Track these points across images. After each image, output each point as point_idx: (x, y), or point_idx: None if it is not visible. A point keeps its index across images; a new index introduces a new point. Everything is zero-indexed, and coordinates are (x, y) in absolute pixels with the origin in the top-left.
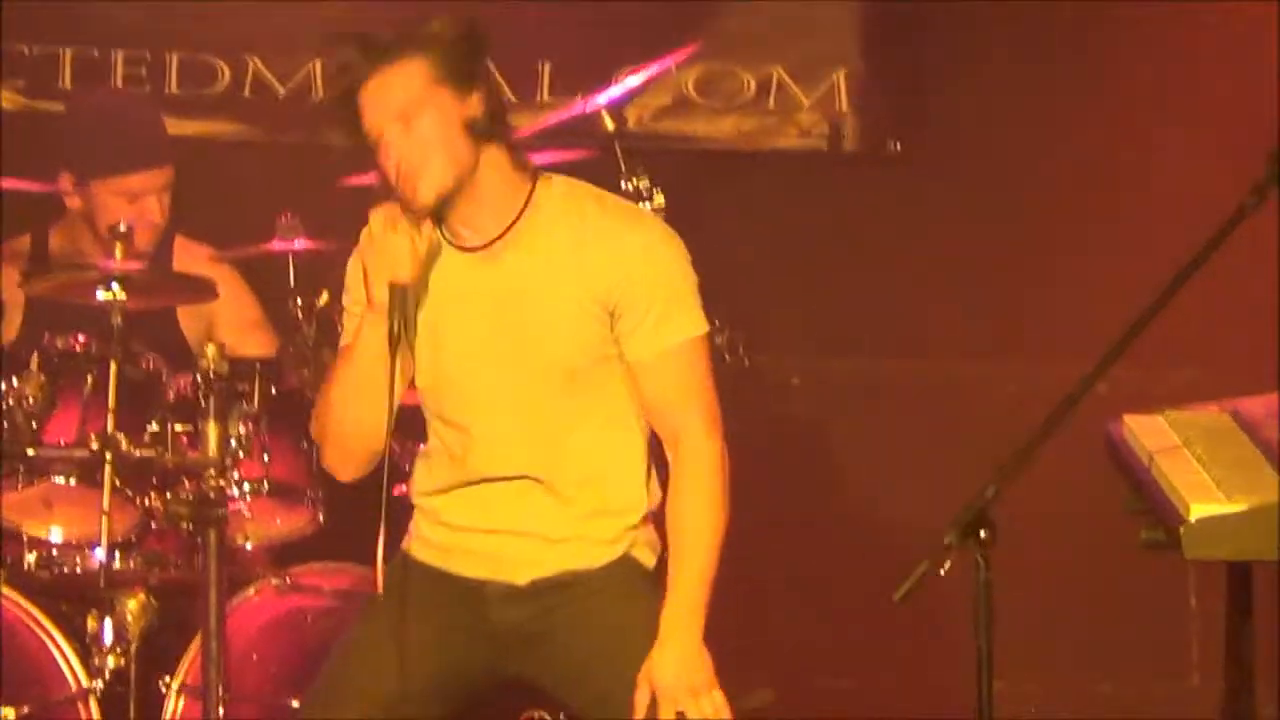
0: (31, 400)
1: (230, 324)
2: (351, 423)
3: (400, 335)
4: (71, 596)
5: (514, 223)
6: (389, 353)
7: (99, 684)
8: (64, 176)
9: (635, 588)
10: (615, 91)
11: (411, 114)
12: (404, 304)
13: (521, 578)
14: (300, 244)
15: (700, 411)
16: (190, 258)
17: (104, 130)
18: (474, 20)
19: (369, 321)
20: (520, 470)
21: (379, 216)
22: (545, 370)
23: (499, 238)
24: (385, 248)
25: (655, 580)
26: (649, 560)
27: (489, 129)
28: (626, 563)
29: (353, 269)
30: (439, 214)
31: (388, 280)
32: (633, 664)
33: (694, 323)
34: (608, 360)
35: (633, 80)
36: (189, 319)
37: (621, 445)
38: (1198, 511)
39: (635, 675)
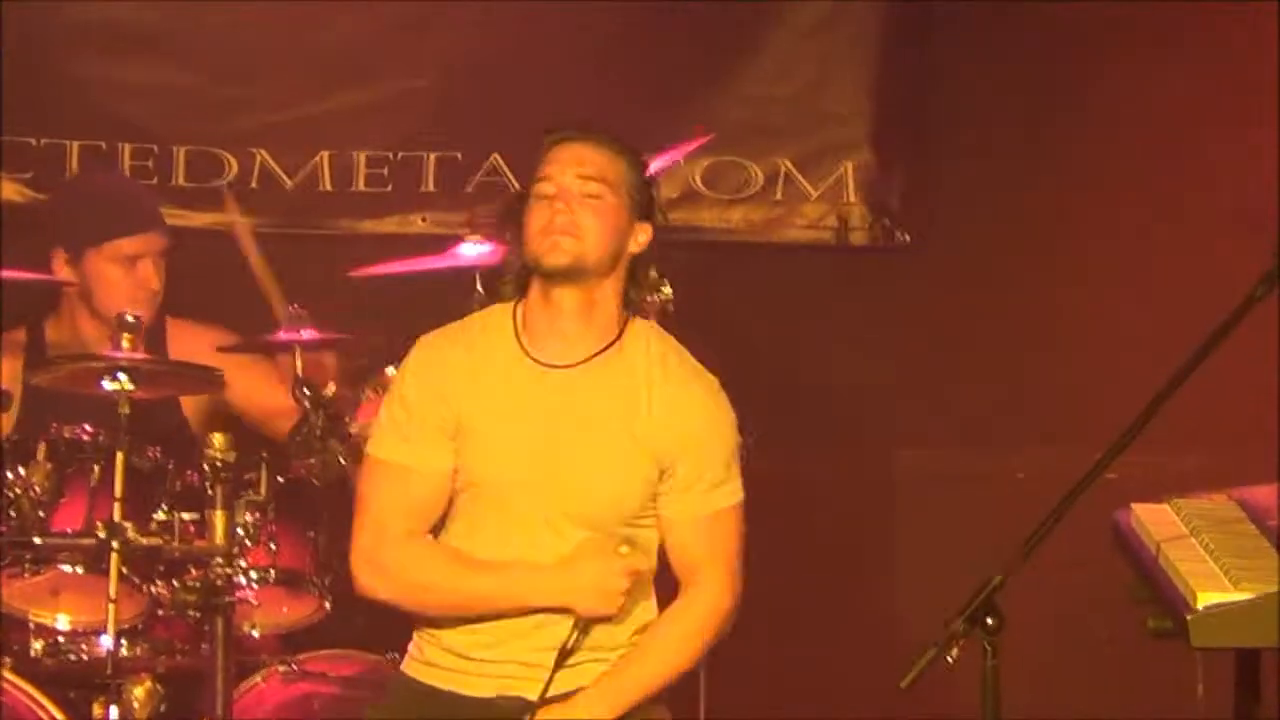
0: (39, 489)
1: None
2: (439, 616)
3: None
4: (78, 684)
5: (600, 352)
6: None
7: None
8: (57, 254)
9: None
10: None
11: (599, 190)
12: (580, 638)
13: (534, 694)
14: (307, 334)
15: (725, 571)
16: (191, 343)
17: (94, 202)
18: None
19: (526, 593)
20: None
21: (624, 570)
22: (587, 501)
23: (582, 362)
24: (612, 596)
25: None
26: None
27: (637, 265)
28: None
29: (421, 383)
30: (527, 324)
31: (586, 613)
32: None
33: (736, 490)
34: (645, 505)
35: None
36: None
37: (643, 579)
38: (1205, 600)
39: None
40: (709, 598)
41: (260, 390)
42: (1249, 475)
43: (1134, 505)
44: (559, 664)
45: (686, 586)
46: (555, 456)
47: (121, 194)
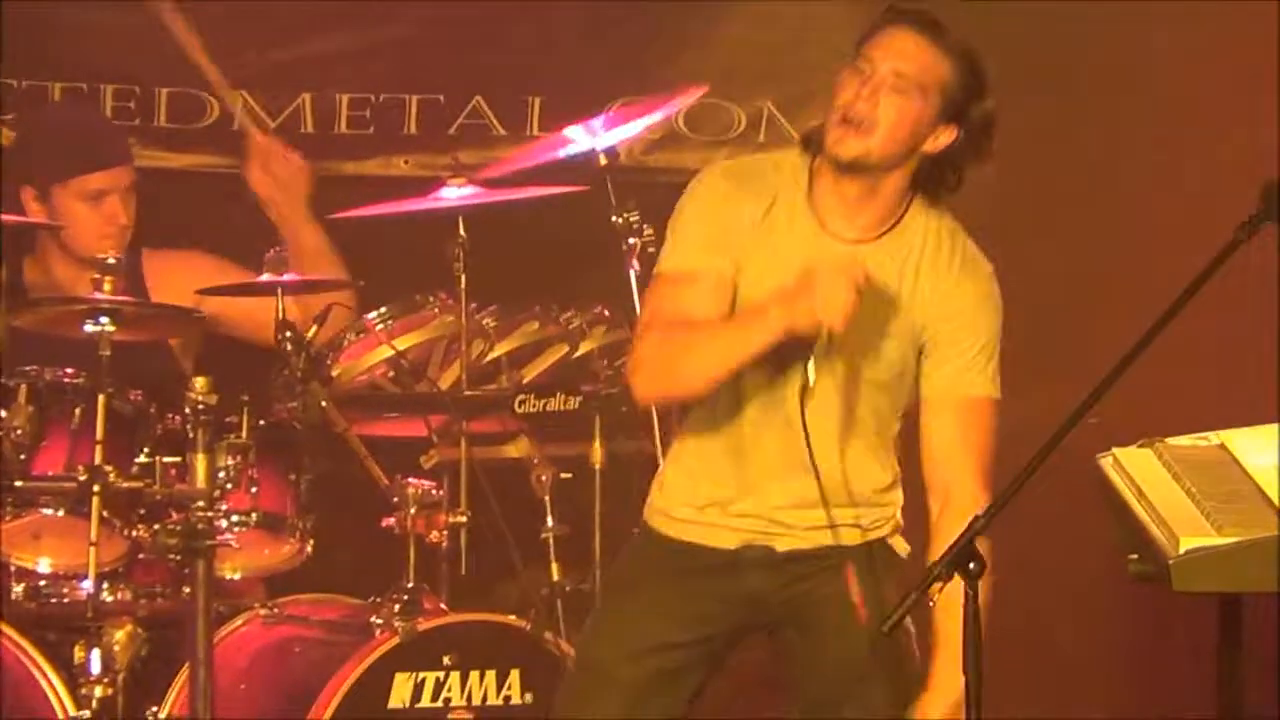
0: (19, 432)
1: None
2: (691, 381)
3: (810, 385)
4: (59, 627)
5: (887, 231)
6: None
7: (86, 714)
8: (26, 191)
9: (884, 573)
10: (618, 134)
11: (910, 88)
12: (819, 351)
13: (781, 546)
14: (289, 277)
15: (977, 469)
16: (170, 276)
17: (59, 137)
18: (983, 68)
19: (771, 327)
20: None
21: (847, 267)
22: (853, 370)
23: (872, 239)
24: (835, 292)
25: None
26: (902, 549)
27: (933, 162)
28: (880, 546)
29: (711, 212)
30: (814, 188)
31: (824, 320)
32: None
33: (993, 385)
34: (903, 380)
35: (637, 124)
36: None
37: (887, 453)
38: (1187, 544)
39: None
40: (967, 503)
41: (248, 313)
42: (1235, 420)
43: (1115, 450)
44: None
45: (937, 498)
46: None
47: (86, 129)
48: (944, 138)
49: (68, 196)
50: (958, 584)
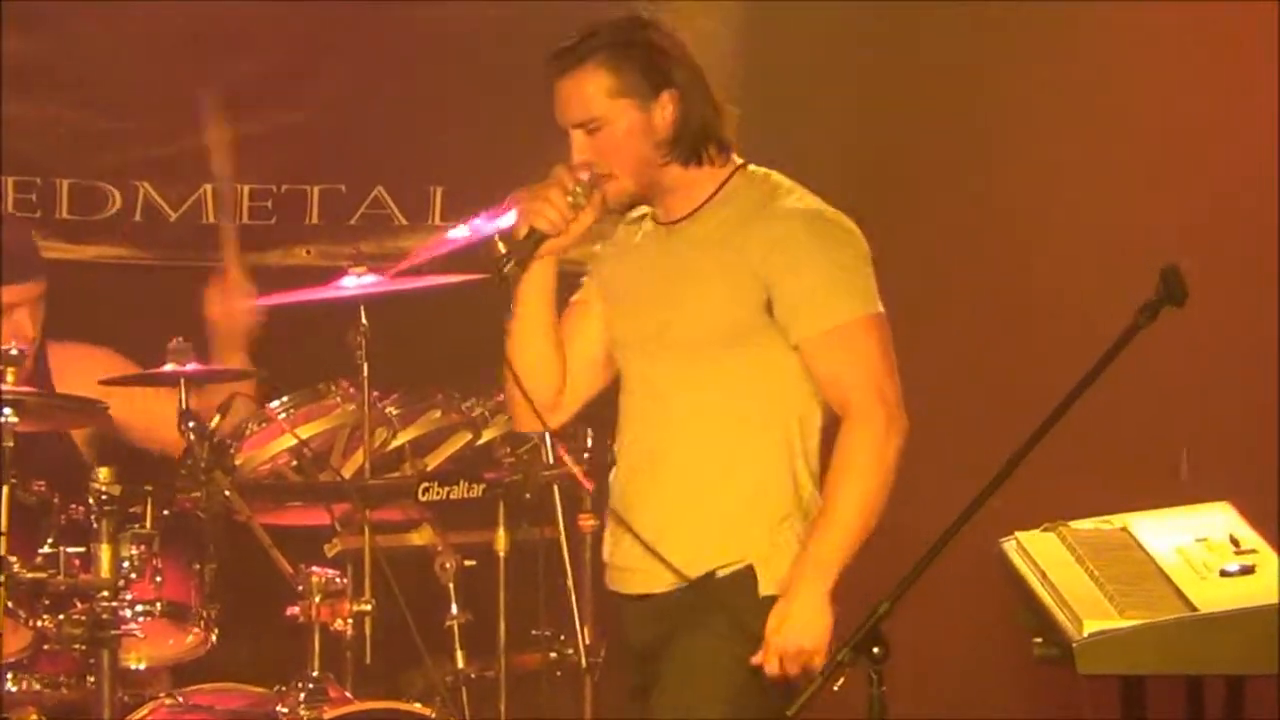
0: None
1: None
2: (517, 365)
3: (508, 276)
4: None
5: (700, 207)
6: (502, 290)
7: None
8: None
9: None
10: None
11: (593, 126)
12: (533, 249)
13: (630, 589)
14: (192, 367)
15: (873, 386)
16: (75, 368)
17: None
18: (644, 22)
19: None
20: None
21: (554, 172)
22: (678, 325)
23: (685, 217)
24: (539, 194)
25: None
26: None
27: (676, 134)
28: (720, 584)
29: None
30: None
31: (529, 224)
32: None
33: (859, 305)
34: (745, 330)
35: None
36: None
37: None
38: (1091, 627)
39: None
40: (863, 420)
41: (149, 414)
42: (1135, 503)
43: (1018, 534)
44: None
45: (842, 410)
46: (658, 296)
47: (3, 239)
48: (667, 111)
49: None
50: (841, 454)
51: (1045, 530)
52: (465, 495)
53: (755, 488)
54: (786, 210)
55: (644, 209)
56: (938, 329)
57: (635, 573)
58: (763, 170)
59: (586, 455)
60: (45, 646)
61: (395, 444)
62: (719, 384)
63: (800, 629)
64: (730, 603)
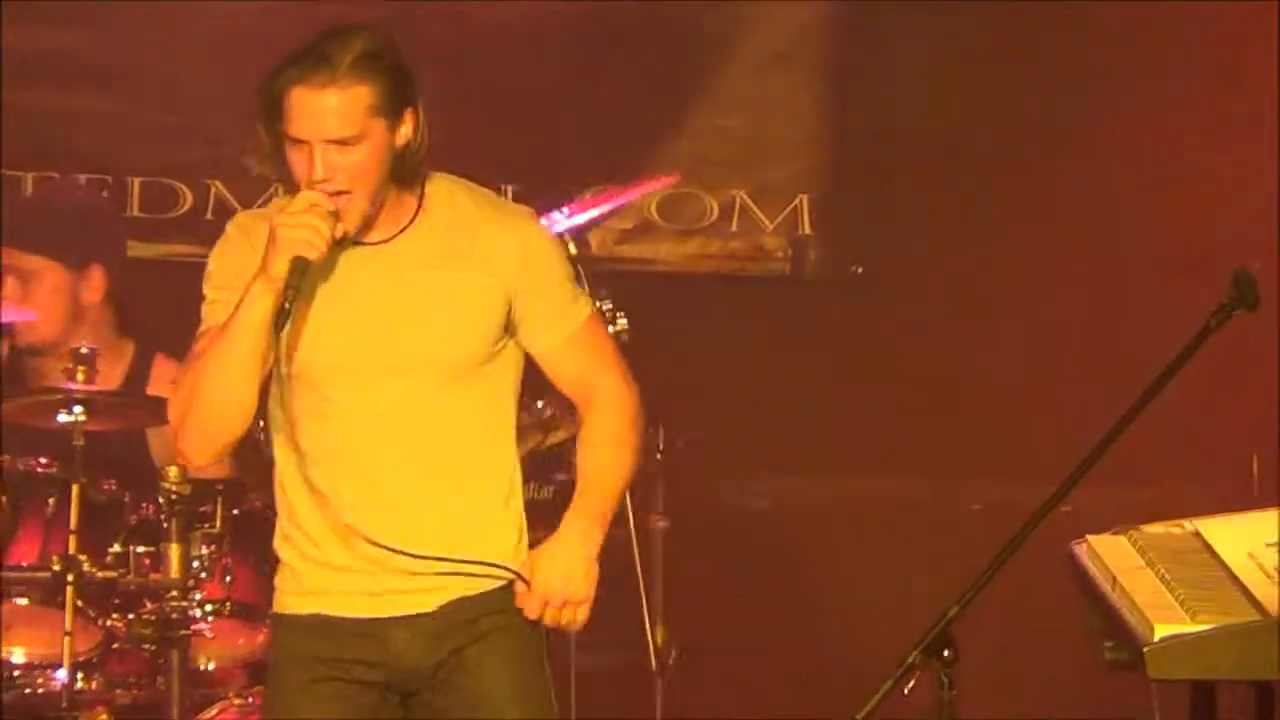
0: None
1: None
2: (220, 401)
3: (289, 310)
4: (33, 717)
5: (410, 223)
6: (276, 325)
7: None
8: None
9: None
10: (582, 218)
11: (351, 142)
12: (301, 279)
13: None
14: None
15: (615, 370)
16: (166, 379)
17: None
18: (384, 33)
19: (257, 293)
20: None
21: (305, 196)
22: (422, 348)
23: (397, 234)
24: (301, 222)
25: None
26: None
27: (412, 154)
28: None
29: (221, 257)
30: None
31: (293, 254)
32: None
33: (588, 299)
34: (491, 344)
35: (602, 208)
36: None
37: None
38: (1162, 631)
39: None
40: (615, 399)
41: None
42: (1207, 507)
43: (1089, 537)
44: None
45: (590, 401)
46: (387, 320)
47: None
48: (407, 129)
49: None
50: (603, 428)
51: (1116, 533)
52: (535, 496)
53: (500, 496)
54: (513, 217)
55: None
56: (1034, 325)
57: (413, 593)
58: (439, 174)
59: (659, 455)
60: (115, 646)
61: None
62: (464, 402)
63: (573, 579)
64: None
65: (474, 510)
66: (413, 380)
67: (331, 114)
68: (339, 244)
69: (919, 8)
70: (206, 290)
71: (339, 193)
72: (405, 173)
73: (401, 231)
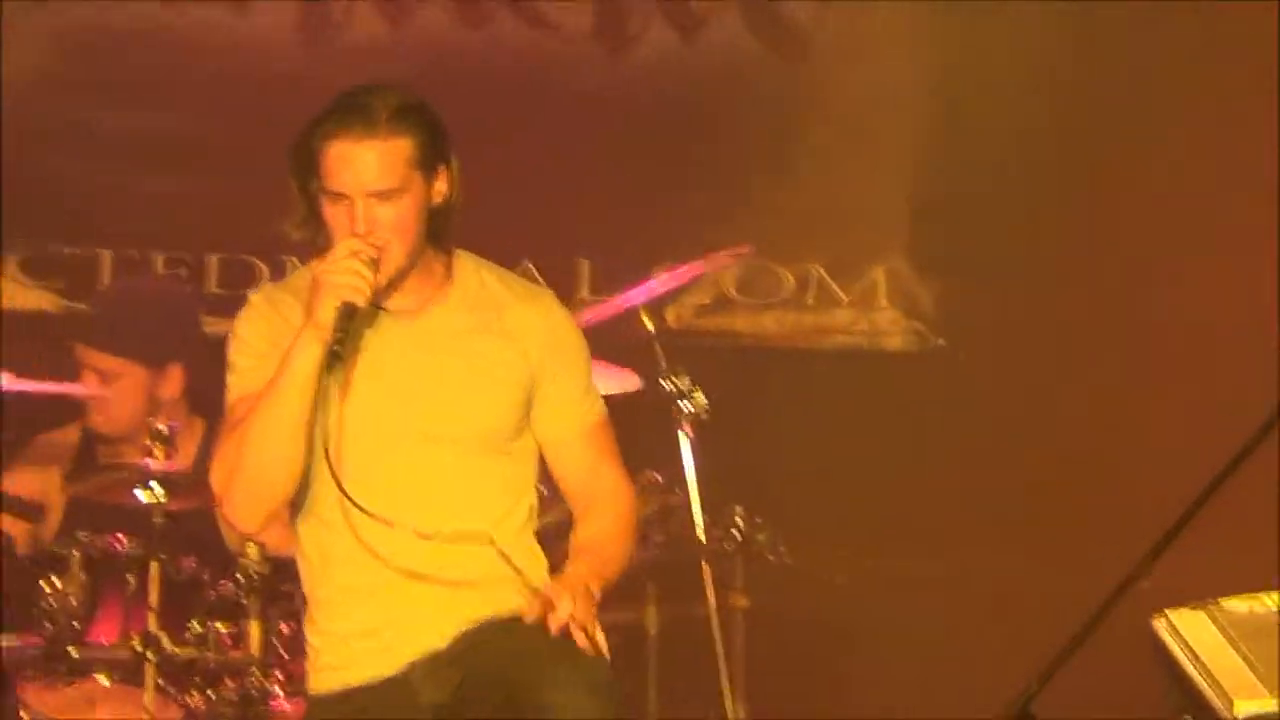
0: (74, 600)
1: None
2: (269, 460)
3: (341, 354)
4: None
5: (442, 291)
6: (323, 372)
7: None
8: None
9: None
10: (655, 289)
11: (392, 195)
12: (350, 324)
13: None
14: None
15: (621, 472)
16: None
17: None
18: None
19: (304, 344)
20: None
21: (346, 244)
22: (459, 423)
23: (430, 303)
24: (346, 268)
25: None
26: None
27: (449, 212)
28: None
29: (251, 326)
30: None
31: (341, 300)
32: None
33: (601, 400)
34: (519, 422)
35: (675, 279)
36: None
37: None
38: (1243, 709)
39: None
40: (621, 499)
41: None
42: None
43: (1169, 612)
44: None
45: (591, 501)
46: (419, 390)
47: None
48: (442, 186)
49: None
50: (611, 521)
51: (1195, 608)
52: None
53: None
54: (541, 298)
55: None
56: (1116, 395)
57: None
58: (462, 250)
59: (737, 532)
60: None
61: (545, 521)
62: (496, 473)
63: (583, 603)
64: None
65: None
66: (443, 450)
67: (373, 166)
68: (368, 313)
69: (991, 80)
70: (237, 359)
71: (381, 249)
72: (441, 231)
73: (431, 302)
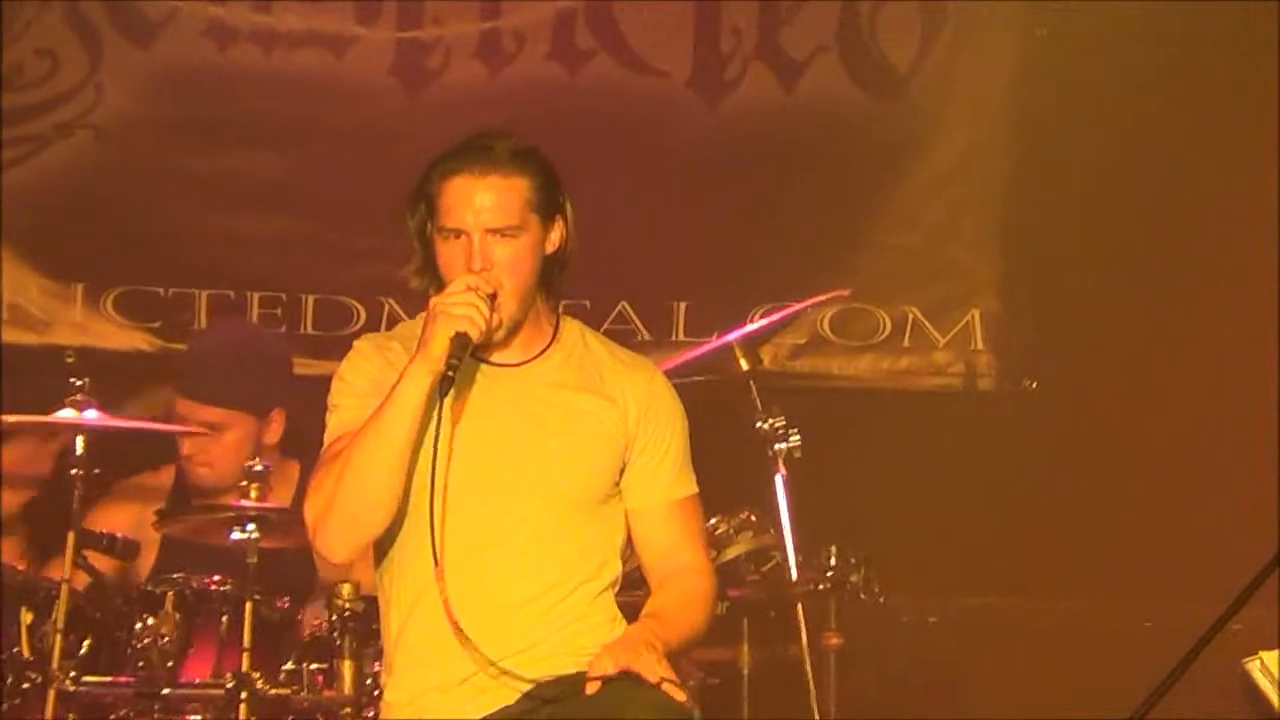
0: (166, 640)
1: None
2: (368, 489)
3: (454, 380)
4: None
5: (548, 347)
6: (440, 393)
7: None
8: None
9: None
10: (754, 328)
11: (509, 233)
12: (463, 354)
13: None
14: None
15: (704, 552)
16: None
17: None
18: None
19: (414, 373)
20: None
21: (462, 279)
22: (562, 479)
23: (536, 357)
24: (461, 300)
25: None
26: None
27: (561, 262)
28: None
29: (355, 368)
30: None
31: (455, 330)
32: None
33: (694, 479)
34: (613, 483)
35: (771, 321)
36: None
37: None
38: None
39: None
40: (702, 575)
41: None
42: None
43: (1262, 654)
44: None
45: (669, 575)
46: (520, 441)
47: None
48: (556, 235)
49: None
50: (697, 597)
51: None
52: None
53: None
54: (643, 366)
55: None
56: (1208, 436)
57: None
58: (567, 315)
59: (830, 573)
60: None
61: (637, 563)
62: (582, 535)
63: (650, 662)
64: None
65: (578, 624)
66: (533, 505)
67: (491, 203)
68: (475, 358)
69: (1083, 122)
70: (339, 399)
71: (495, 290)
72: (553, 281)
73: (537, 356)
